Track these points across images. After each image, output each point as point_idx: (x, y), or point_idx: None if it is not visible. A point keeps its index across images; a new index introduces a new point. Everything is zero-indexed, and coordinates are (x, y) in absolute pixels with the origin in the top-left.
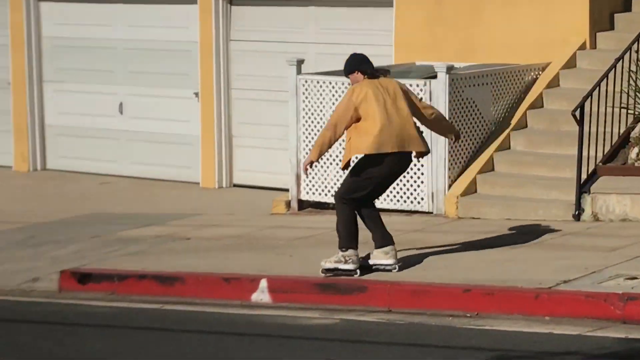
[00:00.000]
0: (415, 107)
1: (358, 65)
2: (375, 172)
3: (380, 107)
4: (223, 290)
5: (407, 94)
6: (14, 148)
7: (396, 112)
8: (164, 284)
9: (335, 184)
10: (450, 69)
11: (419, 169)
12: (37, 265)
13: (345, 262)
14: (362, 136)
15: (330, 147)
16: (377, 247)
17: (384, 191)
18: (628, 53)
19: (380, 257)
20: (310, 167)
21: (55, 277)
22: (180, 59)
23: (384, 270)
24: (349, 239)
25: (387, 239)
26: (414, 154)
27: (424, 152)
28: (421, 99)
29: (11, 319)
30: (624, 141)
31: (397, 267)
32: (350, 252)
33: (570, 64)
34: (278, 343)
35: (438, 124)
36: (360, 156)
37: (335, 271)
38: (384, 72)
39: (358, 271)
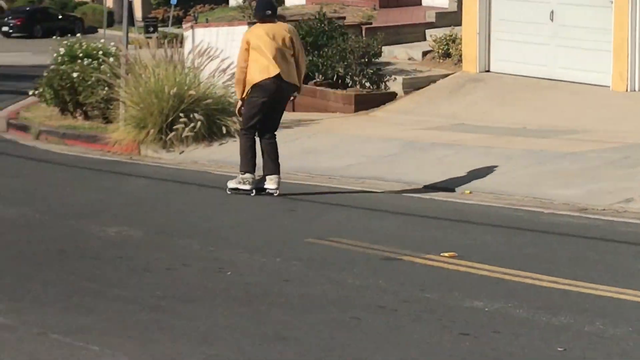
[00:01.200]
0: (294, 51)
1: (260, 11)
2: (259, 99)
3: (267, 43)
4: None
5: (293, 39)
6: (613, 67)
7: (279, 51)
8: None
9: None
10: None
11: None
12: (631, 186)
13: (243, 183)
14: (250, 69)
15: (243, 82)
16: (265, 174)
17: (274, 121)
18: None
19: (268, 183)
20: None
21: None
22: None
23: (267, 193)
24: (246, 164)
25: (272, 170)
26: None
27: (297, 88)
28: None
29: (601, 237)
30: None
31: (277, 192)
32: (247, 175)
33: None
34: None
35: (300, 72)
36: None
37: (236, 190)
38: (280, 17)
39: (254, 191)
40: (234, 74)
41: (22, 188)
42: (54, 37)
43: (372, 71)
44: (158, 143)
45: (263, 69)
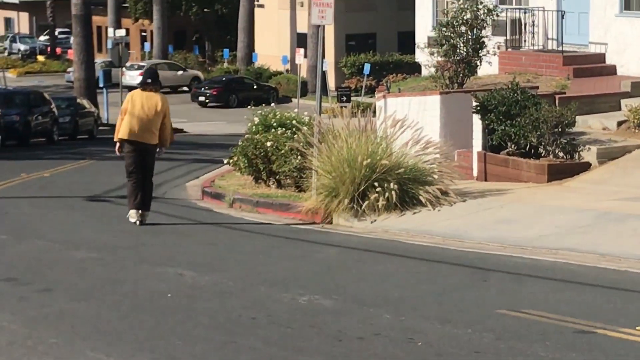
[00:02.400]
0: (161, 117)
1: (143, 79)
2: (128, 152)
3: (135, 108)
4: None
5: (165, 105)
6: None
7: (145, 114)
8: None
9: None
10: None
11: None
12: None
13: (132, 217)
14: (122, 124)
15: (118, 128)
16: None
17: (144, 168)
18: None
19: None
20: (119, 149)
21: None
22: None
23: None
24: (130, 203)
25: (146, 207)
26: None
27: (157, 145)
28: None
29: None
30: None
31: (139, 223)
32: (131, 212)
33: None
34: None
35: (162, 135)
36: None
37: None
38: (152, 86)
39: (137, 223)
40: (426, 143)
41: (216, 255)
42: (249, 106)
43: (565, 141)
44: (350, 212)
45: (128, 128)
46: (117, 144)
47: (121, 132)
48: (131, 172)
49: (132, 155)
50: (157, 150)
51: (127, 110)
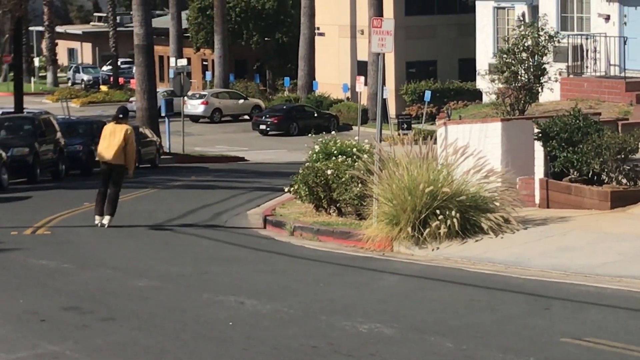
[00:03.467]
0: (124, 142)
1: (116, 114)
2: (102, 168)
3: (106, 136)
4: None
5: (127, 134)
6: None
7: (112, 142)
8: None
9: None
10: None
11: None
12: None
13: (96, 220)
14: (98, 148)
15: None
16: (106, 214)
17: (114, 180)
18: None
19: (104, 220)
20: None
21: None
22: None
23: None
24: (95, 210)
25: (108, 212)
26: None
27: (121, 165)
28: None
29: None
30: None
31: (105, 226)
32: (96, 217)
33: None
34: None
35: (127, 157)
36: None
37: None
38: (123, 119)
39: (99, 225)
40: (488, 172)
41: (277, 283)
42: (309, 134)
43: (628, 167)
44: (410, 239)
45: (101, 151)
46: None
47: (100, 153)
48: (100, 186)
49: (103, 171)
50: (126, 171)
51: (103, 136)
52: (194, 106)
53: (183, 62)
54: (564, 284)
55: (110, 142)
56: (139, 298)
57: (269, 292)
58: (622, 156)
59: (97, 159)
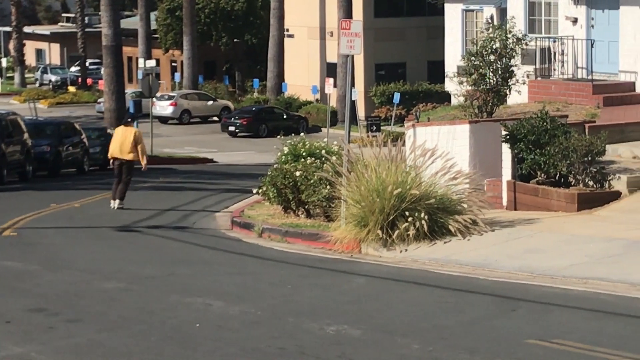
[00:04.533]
0: (135, 142)
1: (125, 120)
2: (114, 164)
3: (117, 136)
4: None
5: (136, 135)
6: None
7: (123, 140)
8: None
9: None
10: None
11: None
12: None
13: (111, 204)
14: (110, 147)
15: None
16: (117, 197)
17: (125, 174)
18: None
19: (119, 204)
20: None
21: None
22: None
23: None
24: (111, 195)
25: (120, 196)
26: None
27: (129, 161)
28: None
29: None
30: None
31: (115, 208)
32: (112, 201)
33: None
34: None
35: (140, 153)
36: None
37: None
38: (129, 122)
39: (115, 207)
40: (456, 173)
41: (244, 285)
42: (278, 136)
43: (595, 170)
44: (379, 241)
45: (114, 150)
46: (110, 159)
47: (111, 150)
48: (115, 177)
49: (116, 166)
50: (135, 165)
51: (113, 139)
52: (163, 107)
53: (152, 63)
54: (530, 286)
55: (122, 142)
56: (105, 300)
57: (236, 293)
58: (589, 158)
59: (109, 157)
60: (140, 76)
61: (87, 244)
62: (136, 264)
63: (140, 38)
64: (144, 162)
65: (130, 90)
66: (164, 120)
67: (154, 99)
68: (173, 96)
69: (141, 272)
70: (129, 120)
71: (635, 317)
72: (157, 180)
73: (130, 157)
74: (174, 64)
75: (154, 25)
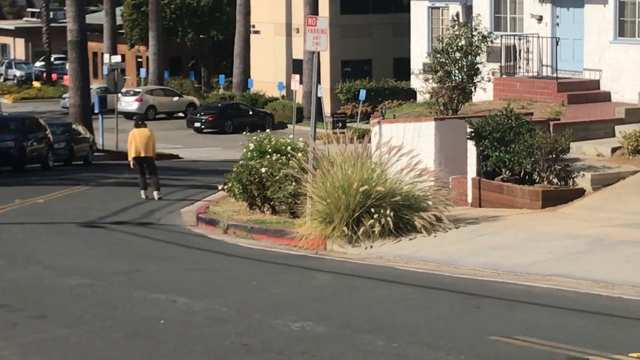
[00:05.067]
0: (152, 140)
1: (136, 122)
2: (135, 162)
3: (135, 139)
4: None
5: (151, 134)
6: None
7: (142, 141)
8: None
9: None
10: None
11: None
12: None
13: (142, 195)
14: (131, 148)
15: (130, 151)
16: (153, 190)
17: (149, 168)
18: None
19: (155, 195)
20: (133, 164)
21: None
22: None
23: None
24: (140, 186)
25: (155, 188)
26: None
27: (150, 157)
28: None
29: None
30: None
31: (155, 198)
32: (141, 191)
33: None
34: None
35: (153, 149)
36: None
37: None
38: (142, 124)
39: (145, 197)
40: (421, 170)
41: (209, 282)
42: (244, 132)
43: (559, 167)
44: (344, 238)
45: (134, 149)
46: (132, 161)
47: (133, 151)
48: (139, 172)
49: (138, 163)
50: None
51: (132, 141)
52: (128, 103)
53: (117, 58)
54: (495, 283)
55: (139, 142)
56: (70, 296)
57: (201, 290)
58: (554, 156)
59: (131, 156)
60: (105, 72)
61: (52, 240)
62: (101, 260)
63: (105, 33)
64: (154, 155)
65: (95, 85)
66: (129, 116)
67: (119, 95)
68: (138, 92)
69: (106, 268)
70: (140, 122)
71: (598, 313)
72: (123, 176)
73: (149, 153)
74: (139, 60)
75: (119, 21)
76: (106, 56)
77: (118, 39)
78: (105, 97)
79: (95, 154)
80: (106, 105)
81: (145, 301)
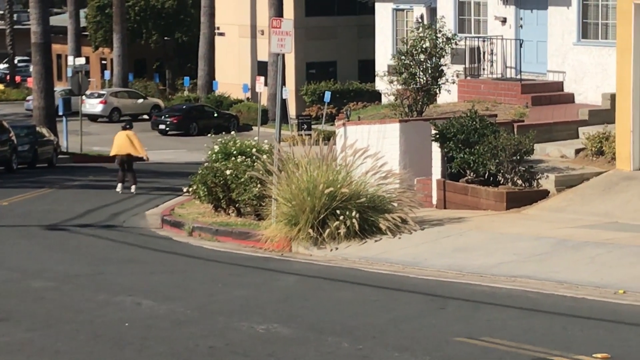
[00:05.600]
0: (131, 140)
1: (124, 126)
2: (117, 159)
3: (119, 139)
4: None
5: (133, 136)
6: None
7: (124, 141)
8: None
9: None
10: None
11: None
12: None
13: (117, 189)
14: (114, 147)
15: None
16: (130, 185)
17: (126, 167)
18: None
19: (132, 189)
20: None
21: None
22: None
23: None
24: (117, 180)
25: (131, 182)
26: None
27: (129, 154)
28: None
29: None
30: None
31: (134, 192)
32: (118, 185)
33: None
34: None
35: (138, 149)
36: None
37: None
38: (127, 128)
39: (120, 191)
40: (387, 172)
41: (174, 284)
42: (209, 134)
43: (523, 169)
44: (309, 240)
45: (116, 148)
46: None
47: (113, 151)
48: (119, 169)
49: (119, 160)
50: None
51: (115, 141)
52: (93, 105)
53: (81, 60)
54: (459, 284)
55: (120, 142)
56: (34, 299)
57: (166, 292)
58: (518, 157)
59: (111, 154)
60: (69, 74)
61: (16, 243)
62: (65, 262)
63: (69, 35)
64: (144, 153)
65: (59, 88)
66: (93, 118)
67: (84, 97)
68: (103, 94)
69: (70, 271)
70: (127, 127)
71: (562, 314)
72: (87, 179)
73: (128, 151)
74: (103, 62)
75: (83, 23)
76: (70, 58)
77: (82, 41)
78: (69, 100)
79: (60, 156)
80: (70, 107)
81: (109, 304)
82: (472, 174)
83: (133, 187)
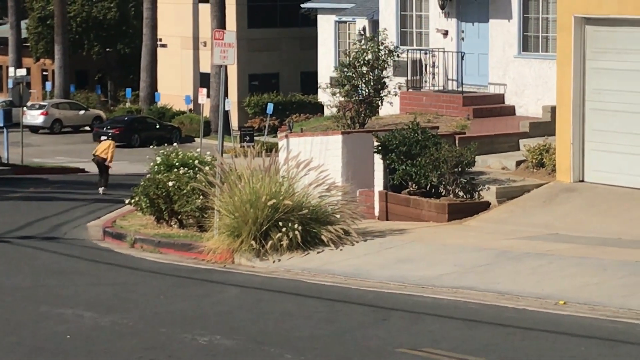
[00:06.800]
0: (108, 148)
1: (95, 137)
2: (96, 162)
3: (103, 144)
4: None
5: (112, 146)
6: None
7: (106, 147)
8: None
9: None
10: None
11: None
12: None
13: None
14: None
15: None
16: (101, 186)
17: (102, 168)
18: None
19: (101, 190)
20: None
21: None
22: None
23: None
24: (99, 185)
25: (103, 184)
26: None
27: (104, 159)
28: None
29: None
30: None
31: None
32: (100, 189)
33: None
34: None
35: (110, 156)
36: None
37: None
38: (107, 138)
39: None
40: (330, 185)
41: (116, 296)
42: (151, 146)
43: (465, 180)
44: (252, 252)
45: (96, 152)
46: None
47: (96, 152)
48: (99, 171)
49: (97, 163)
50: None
51: (100, 145)
52: (34, 117)
53: (22, 72)
54: (402, 295)
55: (104, 148)
56: None
57: (108, 304)
58: (459, 169)
59: (93, 153)
60: (10, 85)
61: None
62: (5, 274)
63: (10, 46)
64: (110, 163)
65: (0, 99)
66: (34, 129)
67: (25, 108)
68: (44, 105)
69: (10, 283)
70: (105, 138)
71: (503, 325)
72: (28, 190)
73: (105, 156)
74: (45, 73)
75: (24, 34)
76: (11, 69)
77: (23, 52)
78: (10, 111)
79: (0, 168)
80: (11, 118)
81: (51, 316)
82: (414, 185)
83: (101, 189)
